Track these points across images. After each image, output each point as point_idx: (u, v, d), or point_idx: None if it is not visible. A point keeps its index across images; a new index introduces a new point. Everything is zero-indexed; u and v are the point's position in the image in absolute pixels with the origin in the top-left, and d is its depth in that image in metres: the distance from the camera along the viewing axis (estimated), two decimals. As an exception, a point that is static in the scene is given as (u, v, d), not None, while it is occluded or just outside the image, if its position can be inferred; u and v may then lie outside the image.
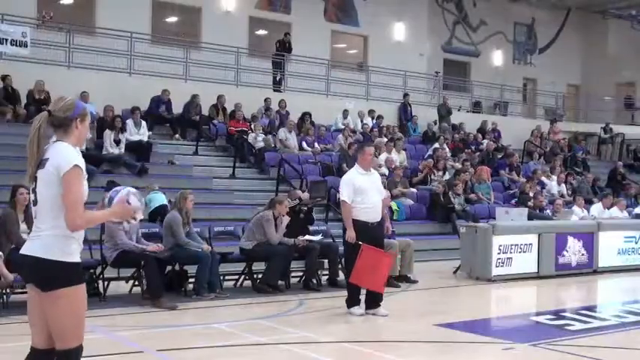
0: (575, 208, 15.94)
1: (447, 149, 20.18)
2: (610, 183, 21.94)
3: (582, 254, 13.47)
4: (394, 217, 14.13)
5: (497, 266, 12.22)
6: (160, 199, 12.34)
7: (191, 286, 9.89)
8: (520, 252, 12.56)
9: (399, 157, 18.36)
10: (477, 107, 27.05)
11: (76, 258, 3.86)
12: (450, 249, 14.39)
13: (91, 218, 4.00)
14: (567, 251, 13.24)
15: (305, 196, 11.75)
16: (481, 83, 27.51)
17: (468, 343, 7.56)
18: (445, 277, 12.60)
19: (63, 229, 3.81)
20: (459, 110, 25.36)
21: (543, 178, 19.35)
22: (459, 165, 18.99)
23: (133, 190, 4.17)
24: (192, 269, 9.91)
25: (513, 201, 17.41)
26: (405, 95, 23.38)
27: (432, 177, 17.85)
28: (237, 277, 10.86)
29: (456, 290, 11.68)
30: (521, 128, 25.30)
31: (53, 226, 3.81)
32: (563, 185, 19.77)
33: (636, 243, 14.55)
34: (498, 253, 12.23)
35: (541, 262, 12.79)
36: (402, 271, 11.58)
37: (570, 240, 13.31)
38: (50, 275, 3.78)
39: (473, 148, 21.55)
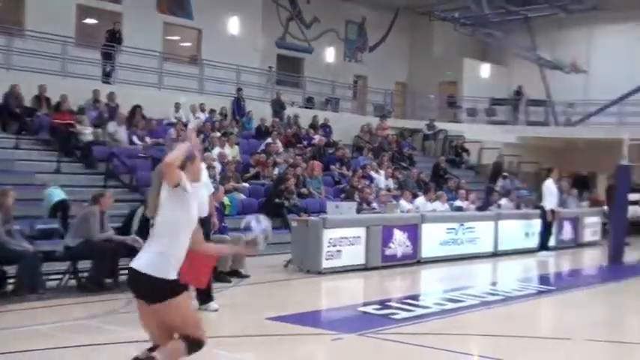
0: (402, 201, 16.58)
1: (280, 144, 20.36)
2: (433, 177, 23.01)
3: (407, 245, 14.06)
4: (226, 212, 14.07)
5: (327, 259, 12.51)
6: (57, 193, 12.97)
7: (11, 287, 9.39)
8: (349, 245, 12.92)
9: (231, 152, 18.32)
10: (309, 103, 27.47)
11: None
12: (282, 243, 14.55)
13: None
14: (393, 243, 13.77)
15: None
16: (313, 79, 27.98)
17: (298, 335, 7.69)
18: (276, 271, 12.72)
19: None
20: (292, 105, 25.65)
21: (372, 173, 19.97)
22: (291, 159, 19.22)
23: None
24: (12, 269, 9.41)
25: (342, 195, 17.85)
26: (239, 90, 23.35)
27: (265, 172, 17.96)
28: (61, 276, 10.42)
29: (286, 284, 11.84)
30: (352, 124, 26.00)
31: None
32: (390, 179, 20.53)
33: (456, 234, 15.40)
34: (328, 246, 12.53)
35: (369, 254, 13.22)
36: (234, 265, 11.58)
37: (396, 232, 13.85)
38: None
39: (305, 143, 21.89)
